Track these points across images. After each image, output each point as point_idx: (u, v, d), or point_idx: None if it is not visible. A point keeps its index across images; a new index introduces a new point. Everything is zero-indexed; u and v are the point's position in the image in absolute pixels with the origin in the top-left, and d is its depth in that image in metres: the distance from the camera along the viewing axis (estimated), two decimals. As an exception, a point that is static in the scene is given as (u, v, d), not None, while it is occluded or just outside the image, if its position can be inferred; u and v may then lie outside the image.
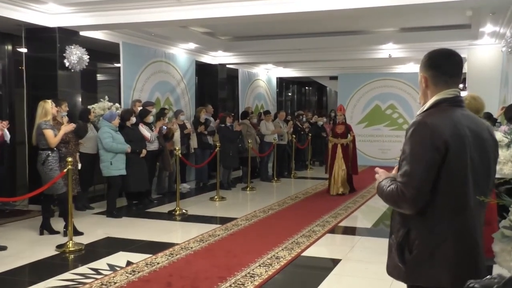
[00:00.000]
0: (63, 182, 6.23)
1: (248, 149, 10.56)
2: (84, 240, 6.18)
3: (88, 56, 8.26)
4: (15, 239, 6.25)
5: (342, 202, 8.97)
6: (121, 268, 5.11)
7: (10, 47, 8.68)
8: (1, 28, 7.99)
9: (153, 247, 5.91)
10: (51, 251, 5.74)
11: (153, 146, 8.56)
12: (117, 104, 8.83)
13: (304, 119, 14.51)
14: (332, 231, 6.95)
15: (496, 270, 2.24)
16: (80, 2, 7.47)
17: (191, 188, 10.52)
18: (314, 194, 9.96)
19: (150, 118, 8.69)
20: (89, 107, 8.51)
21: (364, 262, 5.48)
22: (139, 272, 4.97)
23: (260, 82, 15.82)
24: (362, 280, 4.93)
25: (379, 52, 12.12)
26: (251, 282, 4.69)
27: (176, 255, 5.59)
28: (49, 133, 6.21)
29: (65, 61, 7.96)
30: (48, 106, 6.34)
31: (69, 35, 8.07)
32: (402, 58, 12.79)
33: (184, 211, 8.00)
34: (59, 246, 5.84)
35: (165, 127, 9.05)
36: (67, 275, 4.93)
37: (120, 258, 5.48)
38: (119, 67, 9.57)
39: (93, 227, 6.99)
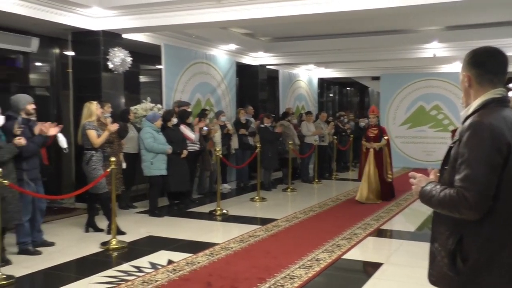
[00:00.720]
0: (105, 182, 6.41)
1: (288, 150, 10.56)
2: (127, 238, 6.33)
3: (131, 58, 8.46)
4: (62, 236, 6.47)
5: (384, 204, 8.83)
6: (162, 266, 5.21)
7: (57, 51, 9.01)
8: (49, 32, 8.29)
9: (193, 247, 6.00)
10: (96, 248, 5.92)
11: (195, 146, 8.68)
12: (159, 105, 9.02)
13: (346, 120, 14.38)
14: (374, 234, 6.86)
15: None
16: (123, 5, 7.67)
17: (231, 188, 10.60)
18: (356, 196, 9.84)
19: (191, 119, 8.82)
20: (131, 108, 8.72)
21: (407, 266, 5.38)
22: (179, 271, 5.05)
23: (301, 83, 15.79)
24: (404, 286, 4.83)
25: (423, 51, 11.88)
26: (291, 284, 4.69)
27: (216, 255, 5.65)
28: (92, 133, 6.40)
29: (109, 63, 8.19)
30: (93, 107, 6.55)
31: (113, 38, 8.30)
32: (448, 58, 12.47)
33: (224, 211, 8.08)
34: (103, 244, 6.01)
35: (206, 128, 9.17)
36: (110, 271, 5.07)
37: (161, 256, 5.59)
38: (160, 69, 9.76)
39: (136, 225, 7.16)
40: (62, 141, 6.14)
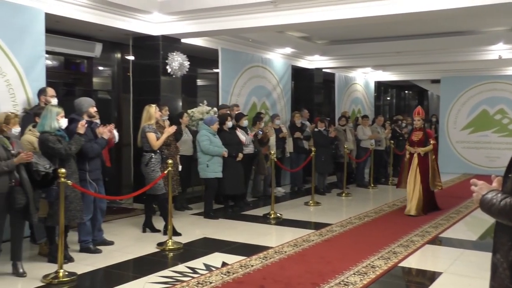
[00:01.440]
0: (164, 183, 6.56)
1: (343, 154, 10.43)
2: (183, 239, 6.44)
3: (189, 62, 8.63)
4: (121, 235, 6.67)
5: (444, 212, 8.54)
6: (217, 268, 5.26)
7: (119, 55, 9.33)
8: (111, 37, 8.60)
9: (247, 249, 6.02)
10: (152, 248, 6.05)
11: (248, 149, 8.73)
12: (215, 109, 9.13)
13: (404, 124, 14.04)
14: (433, 242, 6.64)
15: None
16: (182, 11, 7.84)
17: (285, 192, 10.58)
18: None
19: (244, 122, 8.87)
20: (188, 111, 8.89)
21: (467, 277, 5.17)
22: (233, 273, 5.09)
23: (357, 86, 15.57)
24: (465, 296, 4.66)
25: (487, 53, 11.44)
26: (345, 290, 4.62)
27: (270, 258, 5.65)
28: (151, 136, 6.57)
29: (167, 67, 8.38)
30: (152, 110, 6.73)
31: (171, 42, 8.49)
32: (514, 59, 11.97)
33: (278, 215, 8.07)
34: (159, 244, 6.14)
35: (261, 131, 9.21)
36: (166, 272, 5.17)
37: (216, 258, 5.64)
38: (217, 73, 9.89)
39: (191, 227, 7.27)
40: (115, 136, 6.44)
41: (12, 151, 4.77)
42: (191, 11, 7.76)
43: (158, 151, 6.68)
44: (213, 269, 5.24)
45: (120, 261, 5.56)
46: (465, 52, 11.76)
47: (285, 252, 5.92)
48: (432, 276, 5.23)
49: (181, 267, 5.34)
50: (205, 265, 5.39)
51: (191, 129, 8.48)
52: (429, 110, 20.75)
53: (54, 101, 6.05)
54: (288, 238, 6.63)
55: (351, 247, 6.23)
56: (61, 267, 4.86)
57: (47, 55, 7.11)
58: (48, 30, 6.74)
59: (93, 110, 5.94)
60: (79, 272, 5.05)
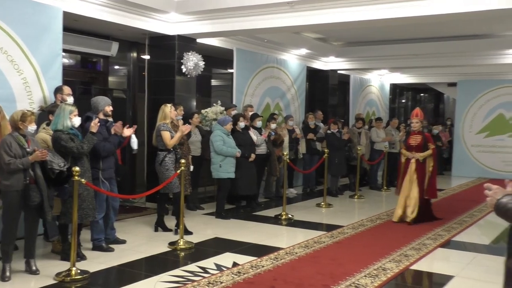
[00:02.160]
0: (178, 182, 6.58)
1: (356, 157, 10.37)
2: (194, 239, 6.45)
3: (204, 62, 8.65)
4: (133, 234, 6.70)
5: (457, 215, 8.46)
6: (228, 268, 5.27)
7: (135, 55, 9.39)
8: (127, 37, 8.66)
9: (258, 250, 6.02)
10: (164, 248, 6.08)
11: (261, 150, 8.72)
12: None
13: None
14: (445, 245, 6.58)
15: None
16: (198, 11, 7.86)
17: (298, 193, 10.55)
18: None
19: (258, 123, 8.86)
20: (202, 111, 8.91)
21: (480, 281, 5.12)
22: (244, 273, 5.09)
23: (372, 88, 15.48)
24: (477, 301, 4.61)
25: (506, 57, 11.32)
26: (356, 293, 4.60)
27: (281, 259, 5.64)
28: (166, 134, 6.60)
29: (182, 67, 8.42)
30: (167, 110, 6.77)
31: (187, 42, 8.52)
32: (532, 64, 11.80)
33: (290, 216, 8.05)
34: (171, 243, 6.16)
35: (273, 133, 9.20)
36: (177, 271, 5.19)
37: (226, 258, 5.65)
38: (232, 73, 9.90)
39: (203, 226, 7.29)
40: (134, 142, 6.40)
41: (28, 149, 4.82)
42: (207, 11, 7.78)
43: (172, 150, 6.71)
44: (224, 269, 5.25)
45: (132, 259, 5.59)
46: (482, 56, 11.65)
47: (296, 253, 5.91)
48: (444, 279, 5.17)
49: (192, 267, 5.36)
50: (216, 265, 5.40)
51: (203, 129, 8.48)
52: (444, 113, 20.59)
53: (70, 99, 6.11)
54: (299, 239, 6.62)
55: (362, 250, 6.19)
56: (73, 265, 4.89)
57: (64, 54, 7.17)
58: (66, 29, 6.80)
59: (109, 109, 5.99)
60: (91, 270, 5.09)
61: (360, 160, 10.47)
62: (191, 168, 7.70)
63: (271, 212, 8.40)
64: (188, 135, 7.89)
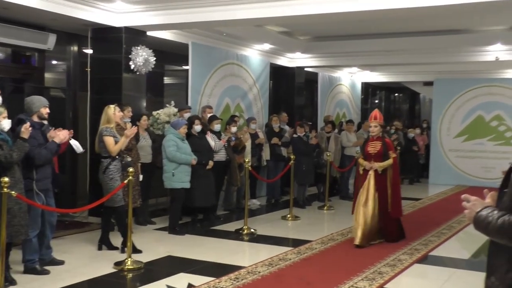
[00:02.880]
0: (123, 194, 6.45)
1: (326, 164, 10.44)
2: (144, 257, 6.35)
3: (155, 58, 8.54)
4: (73, 253, 6.54)
5: (435, 227, 8.63)
6: (181, 291, 5.20)
7: (76, 48, 9.19)
8: (67, 28, 8.47)
9: (217, 270, 5.98)
10: (109, 269, 5.95)
11: (219, 156, 8.67)
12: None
13: (392, 130, 14.15)
14: (422, 260, 6.70)
15: None
16: (149, 0, 7.75)
17: (261, 204, 10.56)
18: (402, 217, 9.63)
19: (216, 126, 8.81)
20: (153, 113, 8.79)
21: (459, 300, 5.23)
22: (200, 297, 5.03)
23: (342, 88, 15.67)
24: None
25: (484, 54, 11.64)
26: (325, 317, 4.60)
27: (242, 279, 5.60)
28: (109, 140, 6.46)
29: (131, 63, 8.28)
30: (110, 112, 6.61)
31: (136, 35, 8.40)
32: (512, 61, 12.19)
33: (252, 230, 8.03)
34: (117, 264, 6.04)
35: (234, 137, 9.15)
36: (124, 295, 5.09)
37: (181, 279, 5.58)
38: (187, 70, 9.83)
39: (154, 244, 7.19)
40: (76, 146, 6.25)
41: None
42: (159, 0, 7.68)
43: (117, 157, 6.57)
44: (177, 292, 5.17)
45: (71, 283, 5.43)
46: (460, 53, 11.94)
47: (259, 272, 5.89)
48: (421, 300, 5.25)
49: (141, 290, 5.26)
50: (169, 287, 5.32)
51: (154, 133, 8.38)
52: (420, 115, 21.06)
53: (-1, 99, 5.90)
54: (262, 256, 6.61)
55: (332, 267, 6.24)
56: (1, 291, 4.73)
57: (-8, 47, 6.96)
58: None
59: (45, 111, 5.84)
60: (22, 296, 4.93)
61: (329, 167, 10.54)
62: (140, 177, 7.58)
63: (231, 226, 8.37)
64: (137, 139, 7.76)
